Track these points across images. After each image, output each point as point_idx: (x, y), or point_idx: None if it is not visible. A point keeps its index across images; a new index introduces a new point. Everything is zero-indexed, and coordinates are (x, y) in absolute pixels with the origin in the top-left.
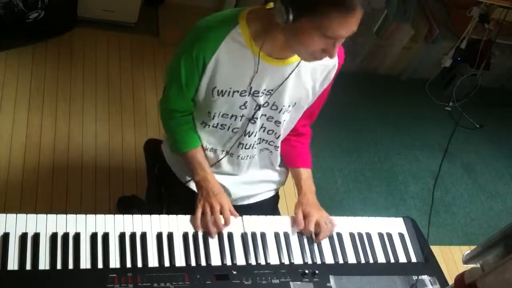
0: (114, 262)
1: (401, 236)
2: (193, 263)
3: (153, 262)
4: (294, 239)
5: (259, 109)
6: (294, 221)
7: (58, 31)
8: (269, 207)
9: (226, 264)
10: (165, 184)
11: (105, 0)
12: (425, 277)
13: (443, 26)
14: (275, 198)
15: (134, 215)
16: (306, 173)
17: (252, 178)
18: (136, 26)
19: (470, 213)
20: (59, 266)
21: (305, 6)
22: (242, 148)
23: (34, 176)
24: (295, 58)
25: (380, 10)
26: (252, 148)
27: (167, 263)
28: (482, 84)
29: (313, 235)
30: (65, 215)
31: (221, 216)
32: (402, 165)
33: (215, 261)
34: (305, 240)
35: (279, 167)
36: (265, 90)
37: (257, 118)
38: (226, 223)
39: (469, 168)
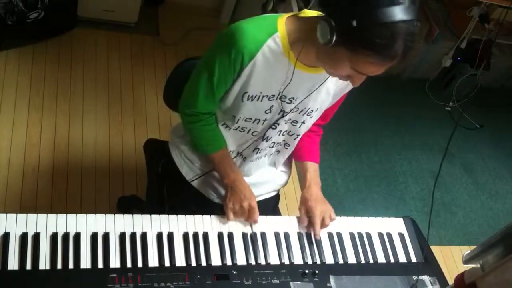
0: (115, 262)
1: (401, 236)
2: (193, 263)
3: (153, 262)
4: (294, 239)
5: (283, 116)
6: (300, 219)
7: (58, 31)
8: (269, 207)
9: (226, 264)
10: (168, 183)
11: (105, 0)
12: (425, 277)
13: (443, 26)
14: (276, 198)
15: (134, 215)
16: (312, 167)
17: (256, 180)
18: (136, 26)
19: (470, 213)
20: (59, 266)
21: (351, 39)
22: (256, 153)
23: (34, 176)
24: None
25: None
26: (265, 150)
27: (167, 263)
28: (482, 84)
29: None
30: (65, 215)
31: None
32: (402, 165)
33: (215, 261)
34: (305, 240)
35: (284, 167)
36: (292, 98)
37: (278, 124)
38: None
39: (469, 168)
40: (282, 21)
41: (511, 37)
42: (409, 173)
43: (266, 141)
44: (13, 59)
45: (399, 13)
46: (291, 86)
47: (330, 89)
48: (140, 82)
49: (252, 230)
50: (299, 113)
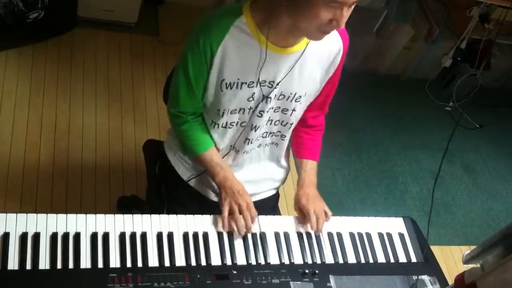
0: (115, 262)
1: (401, 236)
2: (193, 263)
3: (153, 262)
4: (294, 239)
5: (266, 101)
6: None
7: (58, 31)
8: (269, 206)
9: (226, 264)
10: (166, 184)
11: (105, 0)
12: (425, 277)
13: (443, 26)
14: (275, 197)
15: (134, 215)
16: (309, 165)
17: (255, 176)
18: (136, 26)
19: (470, 213)
20: (59, 266)
21: None
22: (248, 144)
23: (34, 176)
24: (300, 46)
25: (380, 10)
26: (257, 141)
27: (167, 263)
28: (482, 84)
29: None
30: (65, 215)
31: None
32: (402, 165)
33: (215, 261)
34: (305, 240)
35: (283, 163)
36: (272, 81)
37: (263, 111)
38: (253, 221)
39: (469, 168)
40: (246, 6)
41: (511, 37)
42: (409, 173)
43: (255, 131)
44: (13, 59)
45: None
46: (267, 69)
47: (314, 72)
48: (140, 82)
49: (260, 229)
50: (286, 100)
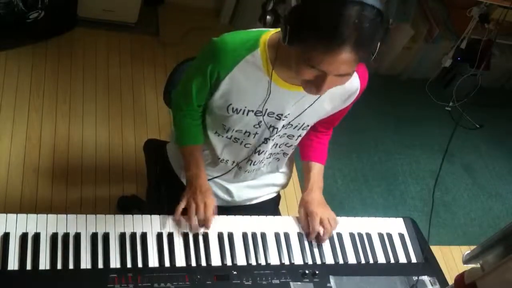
0: (115, 262)
1: (401, 236)
2: (193, 263)
3: (153, 262)
4: (294, 239)
5: (273, 131)
6: (299, 222)
7: (58, 31)
8: (270, 207)
9: (226, 264)
10: (165, 185)
11: (105, 0)
12: (425, 277)
13: (443, 26)
14: (276, 198)
15: (134, 215)
16: (316, 168)
17: (256, 183)
18: (136, 26)
19: (470, 213)
20: (59, 266)
21: (297, 24)
22: (251, 165)
23: (34, 176)
24: None
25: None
26: (260, 163)
27: (167, 263)
28: (482, 84)
29: (320, 233)
30: (65, 215)
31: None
32: (402, 165)
33: (215, 261)
34: (305, 241)
35: (283, 169)
36: (281, 114)
37: (268, 139)
38: (206, 223)
39: (469, 168)
40: (266, 37)
41: (511, 37)
42: (409, 173)
43: (259, 154)
44: (13, 59)
45: None
46: (272, 101)
47: (326, 107)
48: (140, 82)
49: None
50: (293, 128)
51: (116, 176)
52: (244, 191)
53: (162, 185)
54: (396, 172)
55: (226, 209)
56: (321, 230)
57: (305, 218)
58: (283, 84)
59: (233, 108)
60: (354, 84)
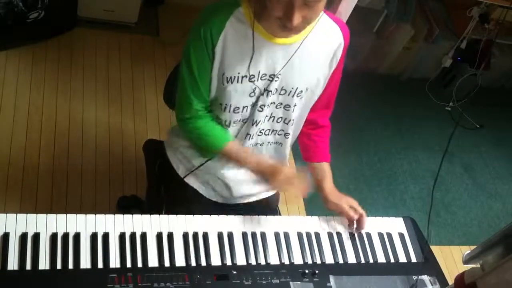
0: (114, 262)
1: (401, 236)
2: (193, 263)
3: (153, 262)
4: (294, 239)
5: (267, 95)
6: (346, 217)
7: (58, 31)
8: (269, 206)
9: (226, 264)
10: (165, 184)
11: (105, 0)
12: (425, 277)
13: (443, 26)
14: (276, 197)
15: (134, 215)
16: (326, 168)
17: (255, 176)
18: (136, 26)
19: (470, 213)
20: (59, 266)
21: None
22: (249, 139)
23: (34, 176)
24: (298, 38)
25: (380, 10)
26: (259, 136)
27: (167, 263)
28: (482, 84)
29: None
30: (65, 215)
31: None
32: (402, 165)
33: (215, 261)
34: (305, 240)
35: (286, 164)
36: (273, 74)
37: (264, 106)
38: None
39: (469, 168)
40: None
41: (511, 37)
42: (409, 173)
43: (256, 125)
44: (13, 59)
45: None
46: (261, 59)
47: (316, 65)
48: (140, 82)
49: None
50: (288, 94)
51: (116, 176)
52: (243, 185)
53: (162, 185)
54: (396, 172)
55: (226, 207)
56: (356, 216)
57: (340, 207)
58: (269, 37)
59: (227, 78)
60: (336, 38)
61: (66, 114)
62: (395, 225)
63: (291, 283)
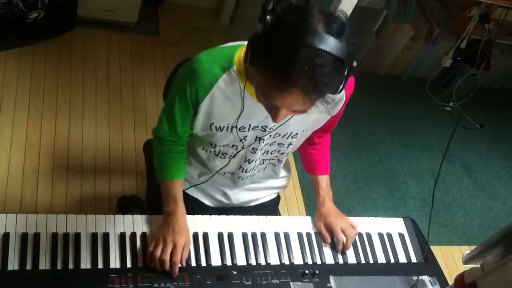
0: (114, 262)
1: (401, 236)
2: (193, 263)
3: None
4: (294, 239)
5: (259, 142)
6: (320, 237)
7: (58, 31)
8: (269, 208)
9: (226, 264)
10: None
11: (105, 0)
12: (425, 277)
13: (443, 26)
14: (276, 199)
15: (134, 215)
16: (324, 180)
17: (255, 186)
18: (136, 26)
19: (470, 213)
20: (59, 266)
21: (255, 58)
22: (243, 171)
23: (34, 176)
24: None
25: (380, 10)
26: (254, 170)
27: None
28: (482, 84)
29: (344, 242)
30: (65, 215)
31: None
32: (402, 165)
33: (215, 261)
34: (305, 241)
35: (282, 173)
36: (265, 126)
37: (256, 149)
38: (172, 267)
39: (469, 168)
40: (240, 53)
41: (511, 37)
42: (409, 173)
43: (249, 163)
44: (13, 59)
45: (308, 37)
46: (254, 115)
47: (313, 115)
48: (140, 82)
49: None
50: (282, 137)
51: (116, 176)
52: (242, 194)
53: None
54: (396, 172)
55: (225, 210)
56: (344, 239)
57: (325, 229)
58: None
59: (216, 127)
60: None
61: (66, 114)
62: (395, 226)
63: (291, 283)
